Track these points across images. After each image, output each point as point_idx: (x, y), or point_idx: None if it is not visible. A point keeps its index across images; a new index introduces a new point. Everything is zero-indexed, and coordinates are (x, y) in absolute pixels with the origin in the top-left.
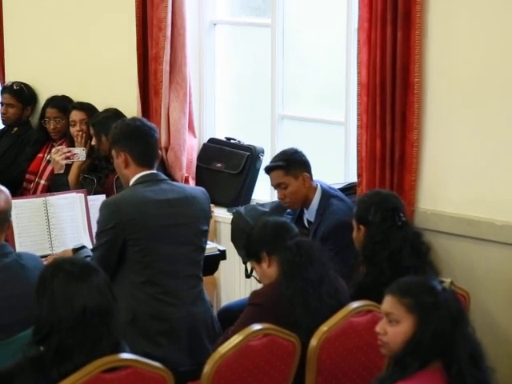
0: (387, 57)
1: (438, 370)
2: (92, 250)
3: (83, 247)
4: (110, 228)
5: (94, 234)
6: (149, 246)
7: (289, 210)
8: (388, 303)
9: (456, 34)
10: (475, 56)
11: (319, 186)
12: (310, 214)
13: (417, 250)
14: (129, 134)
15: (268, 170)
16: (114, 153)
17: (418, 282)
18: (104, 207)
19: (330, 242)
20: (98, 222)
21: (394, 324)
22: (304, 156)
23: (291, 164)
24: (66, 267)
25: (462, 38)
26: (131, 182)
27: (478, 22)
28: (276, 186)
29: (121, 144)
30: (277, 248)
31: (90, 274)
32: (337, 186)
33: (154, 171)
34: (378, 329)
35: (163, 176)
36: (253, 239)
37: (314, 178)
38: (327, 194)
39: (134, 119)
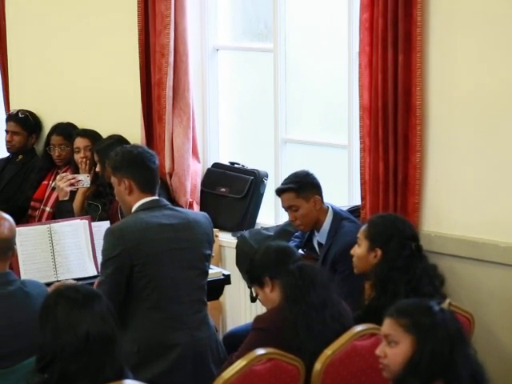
0: (389, 80)
1: None
2: (99, 282)
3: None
4: (116, 255)
5: (98, 261)
6: (154, 271)
7: (297, 234)
8: (386, 325)
9: (457, 56)
10: (476, 78)
11: (330, 208)
12: (321, 237)
13: (432, 282)
14: (132, 160)
15: (279, 192)
16: (114, 180)
17: (416, 303)
18: (108, 235)
19: (341, 263)
20: (103, 251)
21: (393, 345)
22: (315, 179)
23: (303, 186)
24: (69, 294)
25: (462, 60)
26: (133, 209)
27: (479, 44)
28: (287, 208)
29: (124, 171)
30: (279, 272)
31: (93, 301)
32: None
33: (156, 197)
34: (378, 352)
35: (165, 201)
36: (255, 264)
37: (324, 201)
38: (339, 217)
39: (134, 146)
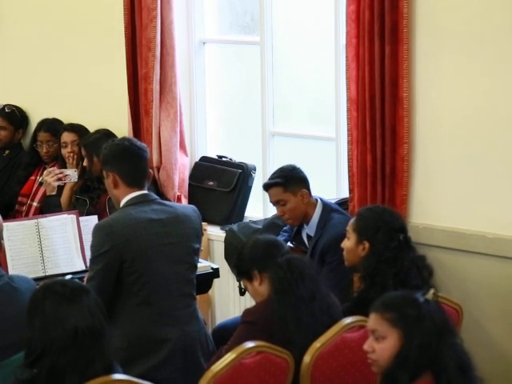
0: (376, 72)
1: (430, 381)
2: (88, 278)
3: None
4: (105, 251)
5: (86, 256)
6: (144, 266)
7: (286, 228)
8: (372, 320)
9: (443, 47)
10: (463, 69)
11: (320, 200)
12: (310, 229)
13: (421, 273)
14: (117, 154)
15: (266, 187)
16: (104, 173)
17: (400, 296)
18: (97, 230)
19: (330, 254)
20: (92, 247)
21: (380, 340)
22: (302, 172)
23: (289, 181)
24: (57, 288)
25: (449, 52)
26: (122, 203)
27: (466, 36)
28: (275, 202)
29: (110, 164)
30: (268, 265)
31: (81, 295)
32: None
33: (145, 191)
34: (365, 347)
35: (154, 196)
36: (243, 258)
37: (312, 194)
38: (328, 208)
39: (123, 139)
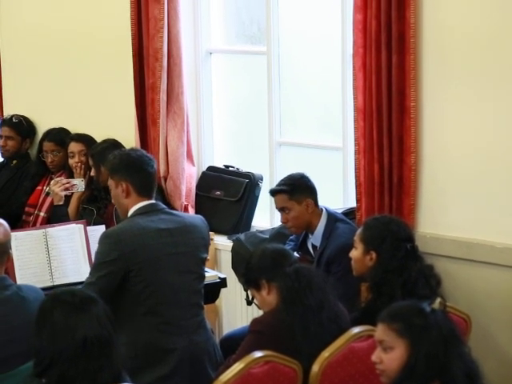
0: (383, 81)
1: None
2: (87, 283)
3: None
4: (111, 260)
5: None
6: (150, 276)
7: (292, 237)
8: (379, 331)
9: (450, 57)
10: (470, 79)
11: (325, 210)
12: (315, 239)
13: (429, 283)
14: (130, 164)
15: (272, 192)
16: (112, 183)
17: (407, 306)
18: (104, 239)
19: (335, 264)
20: (98, 254)
21: (388, 351)
22: (310, 181)
23: (295, 189)
24: (66, 298)
25: (456, 62)
26: (130, 213)
27: (473, 46)
28: (279, 209)
29: (121, 174)
30: (276, 275)
31: (90, 304)
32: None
33: (153, 201)
34: (373, 358)
35: (162, 205)
36: (252, 267)
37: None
38: (333, 218)
39: (133, 150)
